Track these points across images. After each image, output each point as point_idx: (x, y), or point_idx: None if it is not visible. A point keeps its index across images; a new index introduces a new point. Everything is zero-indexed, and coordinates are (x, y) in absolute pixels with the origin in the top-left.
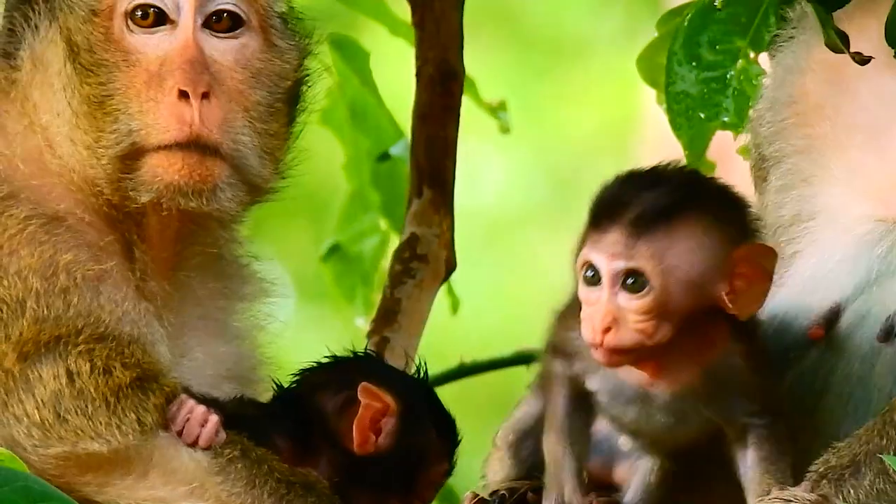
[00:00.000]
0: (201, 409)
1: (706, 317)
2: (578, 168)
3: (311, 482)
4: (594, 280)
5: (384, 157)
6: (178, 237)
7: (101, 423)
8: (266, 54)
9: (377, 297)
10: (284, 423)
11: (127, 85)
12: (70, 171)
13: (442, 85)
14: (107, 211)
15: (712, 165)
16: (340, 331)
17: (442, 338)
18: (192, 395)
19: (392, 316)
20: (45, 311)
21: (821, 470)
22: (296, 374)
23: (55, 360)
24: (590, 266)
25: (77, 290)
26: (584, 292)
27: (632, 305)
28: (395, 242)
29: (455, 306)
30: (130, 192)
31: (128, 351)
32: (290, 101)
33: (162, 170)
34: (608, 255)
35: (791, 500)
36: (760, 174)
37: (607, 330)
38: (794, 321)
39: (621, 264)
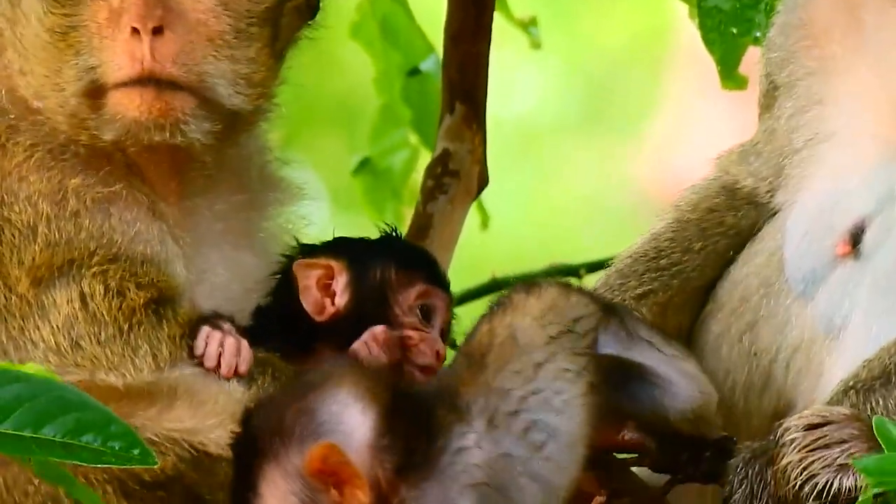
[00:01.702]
0: (230, 340)
1: None
2: (611, 80)
3: None
4: None
5: (414, 72)
6: (173, 168)
7: (114, 353)
8: None
9: (407, 212)
10: (290, 337)
11: (90, 19)
12: (38, 99)
13: (473, 1)
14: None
15: (745, 80)
16: None
17: (474, 252)
18: (209, 320)
19: (424, 231)
20: (57, 236)
21: (850, 383)
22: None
23: (69, 283)
24: None
25: (88, 213)
26: None
27: None
28: (424, 157)
29: (485, 222)
30: (94, 131)
31: (141, 271)
32: (271, 21)
33: (122, 107)
34: None
35: (827, 415)
36: (768, 102)
37: None
38: (818, 240)
39: None
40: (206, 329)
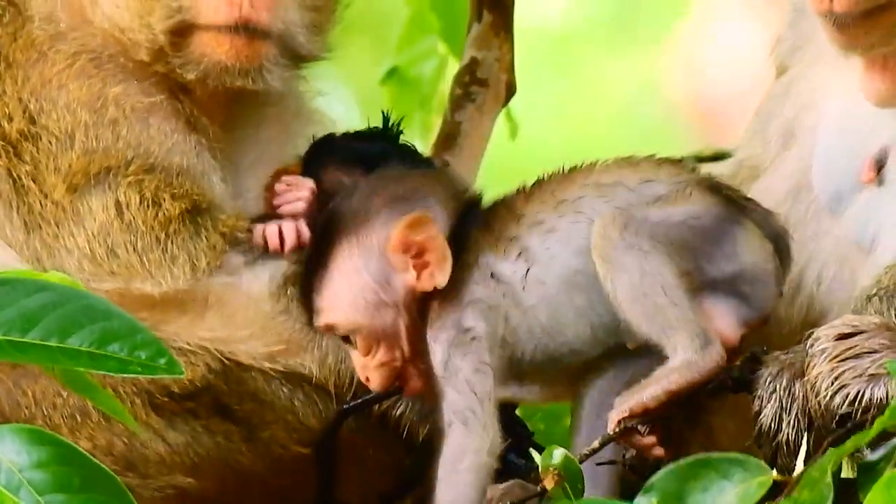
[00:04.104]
0: (291, 225)
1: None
2: None
3: None
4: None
5: None
6: (228, 104)
7: (152, 261)
8: None
9: (436, 121)
10: None
11: None
12: (115, 28)
13: None
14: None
15: None
16: None
17: (503, 161)
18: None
19: (452, 140)
20: (94, 143)
21: (873, 290)
22: None
23: (105, 191)
24: None
25: (126, 122)
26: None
27: (354, 353)
28: (453, 66)
29: (514, 131)
30: (177, 69)
31: (177, 182)
32: None
33: (210, 49)
34: (317, 325)
35: (858, 324)
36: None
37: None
38: (843, 166)
39: (321, 324)
40: (277, 221)
